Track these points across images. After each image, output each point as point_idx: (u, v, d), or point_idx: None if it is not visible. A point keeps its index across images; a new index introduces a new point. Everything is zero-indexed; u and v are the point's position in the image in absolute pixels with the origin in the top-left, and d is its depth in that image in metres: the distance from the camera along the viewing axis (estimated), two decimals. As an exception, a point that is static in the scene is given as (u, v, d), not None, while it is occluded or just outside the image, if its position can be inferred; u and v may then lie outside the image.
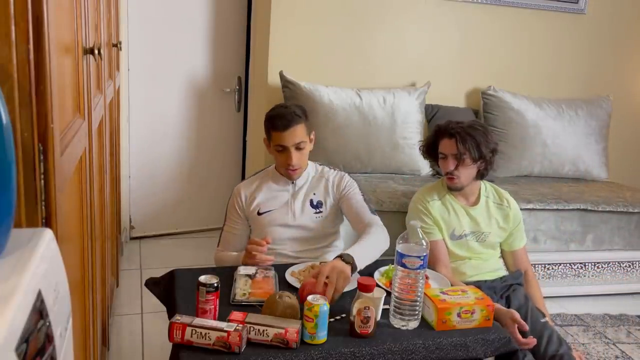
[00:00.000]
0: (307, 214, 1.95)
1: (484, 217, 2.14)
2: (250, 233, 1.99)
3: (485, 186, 2.20)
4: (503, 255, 2.23)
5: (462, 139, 2.02)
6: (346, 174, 2.05)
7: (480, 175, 2.12)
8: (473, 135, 2.02)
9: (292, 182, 1.97)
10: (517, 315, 1.81)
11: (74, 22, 1.16)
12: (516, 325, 1.77)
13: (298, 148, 1.87)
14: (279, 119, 1.85)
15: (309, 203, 1.96)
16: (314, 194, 1.97)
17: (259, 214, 1.94)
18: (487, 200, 2.17)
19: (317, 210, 1.96)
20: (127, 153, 3.30)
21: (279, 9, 3.08)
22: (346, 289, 1.61)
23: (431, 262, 1.95)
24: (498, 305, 1.88)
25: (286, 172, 1.92)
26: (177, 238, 3.58)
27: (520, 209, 2.72)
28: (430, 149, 2.18)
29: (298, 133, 1.85)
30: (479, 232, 2.13)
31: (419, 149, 2.27)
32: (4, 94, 0.68)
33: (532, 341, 1.77)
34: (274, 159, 1.95)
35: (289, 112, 1.87)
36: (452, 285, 1.75)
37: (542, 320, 1.92)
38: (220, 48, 3.48)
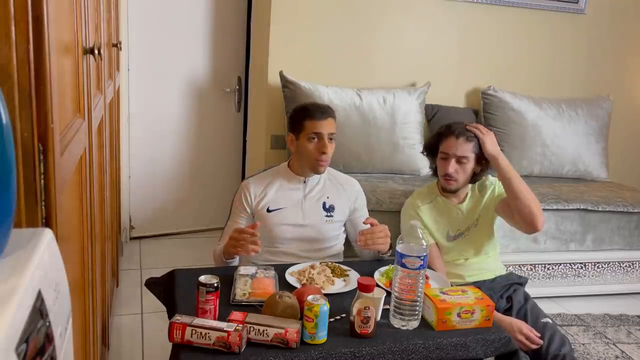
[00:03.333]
0: (317, 215, 1.96)
1: (474, 206, 2.15)
2: None
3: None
4: (504, 213, 2.11)
5: (468, 139, 2.03)
6: (356, 180, 2.09)
7: (473, 179, 2.12)
8: (478, 136, 2.04)
9: (304, 182, 1.97)
10: (526, 329, 1.83)
11: (74, 22, 1.16)
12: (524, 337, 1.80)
13: (330, 139, 1.91)
14: (316, 108, 1.92)
15: (321, 205, 1.97)
16: (328, 197, 1.98)
17: (268, 211, 1.93)
18: (473, 193, 2.18)
19: (329, 214, 1.97)
20: (127, 153, 3.30)
21: (279, 9, 3.08)
22: (346, 289, 1.63)
23: None
24: (500, 316, 1.88)
25: (316, 164, 1.90)
26: (177, 238, 3.58)
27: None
28: (432, 147, 2.17)
29: (332, 124, 1.92)
30: (471, 225, 2.13)
31: (424, 147, 2.27)
32: (4, 94, 0.68)
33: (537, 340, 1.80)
34: (300, 153, 1.92)
35: (323, 104, 1.98)
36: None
37: (543, 320, 1.92)
38: (220, 48, 3.48)
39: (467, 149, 2.03)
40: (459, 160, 2.03)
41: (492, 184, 2.15)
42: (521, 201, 1.97)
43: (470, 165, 2.05)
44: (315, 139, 1.88)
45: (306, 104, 1.99)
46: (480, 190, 2.18)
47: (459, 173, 2.04)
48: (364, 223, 1.81)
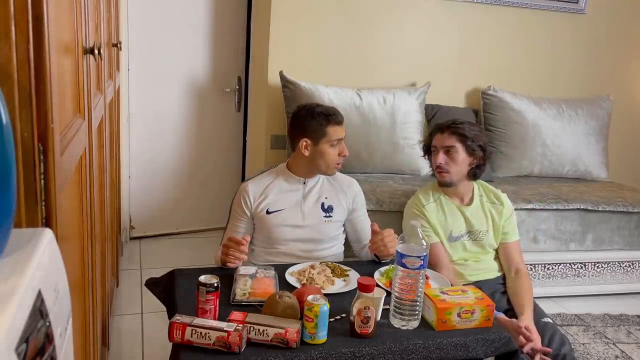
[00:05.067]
0: (316, 216, 1.95)
1: (479, 216, 2.15)
2: (254, 232, 1.98)
3: (478, 186, 2.21)
4: (497, 252, 2.20)
5: (452, 132, 2.08)
6: (355, 181, 2.08)
7: (473, 175, 2.14)
8: (462, 129, 2.09)
9: (304, 183, 1.97)
10: (519, 326, 1.81)
11: (74, 22, 1.16)
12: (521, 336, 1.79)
13: None
14: (337, 114, 1.91)
15: (320, 206, 1.96)
16: (326, 197, 1.98)
17: (268, 212, 1.92)
18: (481, 199, 2.18)
19: (327, 215, 1.96)
20: (127, 153, 3.30)
21: (279, 9, 3.08)
22: (346, 289, 1.63)
23: (432, 265, 1.96)
24: (503, 316, 1.88)
25: (335, 166, 1.93)
26: (177, 238, 3.58)
27: (520, 209, 2.74)
28: (427, 147, 2.23)
29: None
30: (475, 232, 2.14)
31: (421, 148, 2.30)
32: (4, 94, 0.68)
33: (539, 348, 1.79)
34: (316, 157, 1.90)
35: (333, 107, 1.96)
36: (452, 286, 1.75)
37: (543, 320, 1.92)
38: (220, 48, 3.48)
39: (452, 140, 2.08)
40: (447, 150, 2.08)
41: (508, 216, 2.17)
42: None
43: (459, 156, 2.07)
44: (337, 144, 1.90)
45: (321, 109, 1.91)
46: (492, 204, 2.18)
47: (449, 164, 2.08)
48: (371, 227, 1.84)
